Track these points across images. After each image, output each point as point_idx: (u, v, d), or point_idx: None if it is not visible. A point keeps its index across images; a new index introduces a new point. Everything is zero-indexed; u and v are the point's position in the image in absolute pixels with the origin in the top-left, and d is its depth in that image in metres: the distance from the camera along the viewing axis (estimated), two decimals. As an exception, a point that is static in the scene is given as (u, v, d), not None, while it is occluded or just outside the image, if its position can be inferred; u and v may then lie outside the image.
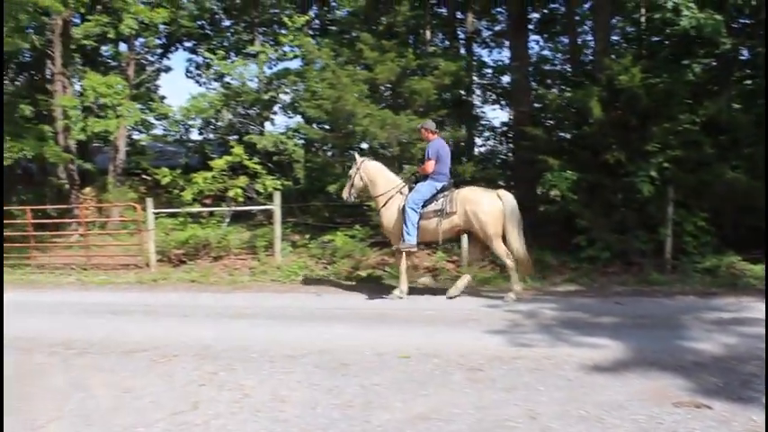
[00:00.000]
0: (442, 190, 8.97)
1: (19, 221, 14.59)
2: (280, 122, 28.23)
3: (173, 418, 4.62)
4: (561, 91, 15.06)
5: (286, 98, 18.67)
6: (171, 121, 19.56)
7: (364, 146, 14.22)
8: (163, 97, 26.00)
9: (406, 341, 6.45)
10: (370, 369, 5.57)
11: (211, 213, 14.50)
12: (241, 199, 13.07)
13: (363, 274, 10.94)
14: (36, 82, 22.10)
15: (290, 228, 13.32)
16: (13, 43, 14.88)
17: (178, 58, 56.75)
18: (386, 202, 9.25)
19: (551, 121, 13.61)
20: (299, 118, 18.37)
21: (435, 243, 9.75)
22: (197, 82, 27.07)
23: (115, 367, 5.94)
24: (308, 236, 12.61)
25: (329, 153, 17.73)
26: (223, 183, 13.04)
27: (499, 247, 8.76)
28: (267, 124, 18.06)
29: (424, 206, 8.88)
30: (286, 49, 17.51)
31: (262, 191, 12.99)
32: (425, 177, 9.08)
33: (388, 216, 9.21)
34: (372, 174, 9.41)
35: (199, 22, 23.10)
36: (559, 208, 11.53)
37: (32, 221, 13.83)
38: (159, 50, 25.33)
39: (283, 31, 20.90)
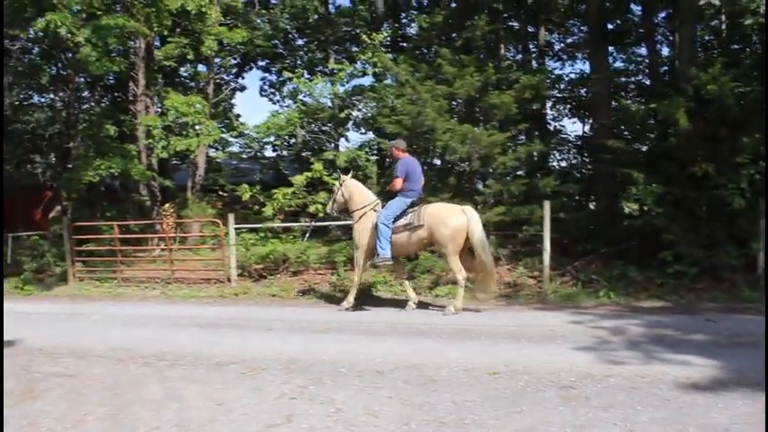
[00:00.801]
0: (412, 205, 9.46)
1: (106, 236, 15.10)
2: (352, 138, 28.46)
3: (267, 430, 4.65)
4: (640, 102, 14.73)
5: (359, 114, 18.85)
6: (249, 138, 19.91)
7: (437, 161, 14.23)
8: (238, 115, 26.64)
9: (493, 357, 6.38)
10: (461, 385, 5.50)
11: (289, 229, 14.70)
12: (321, 214, 13.17)
13: (443, 290, 10.84)
14: (120, 103, 22.91)
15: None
16: (101, 66, 15.45)
17: (252, 77, 57.96)
18: (360, 218, 9.80)
19: (631, 134, 13.31)
20: (371, 134, 18.53)
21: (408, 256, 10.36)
22: (271, 100, 27.64)
23: (207, 379, 6.04)
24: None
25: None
26: (302, 198, 13.18)
27: (454, 263, 9.13)
28: (342, 140, 18.23)
29: (395, 221, 9.34)
30: (358, 65, 17.66)
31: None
32: (396, 194, 9.52)
33: (360, 231, 9.78)
34: (352, 190, 10.03)
35: (273, 42, 23.56)
36: (644, 222, 11.22)
37: (119, 236, 14.28)
38: (235, 70, 25.99)
39: (355, 48, 21.20)
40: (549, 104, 18.27)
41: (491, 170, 12.68)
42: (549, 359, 6.23)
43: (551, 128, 18.02)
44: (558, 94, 18.60)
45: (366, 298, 10.75)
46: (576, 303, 9.60)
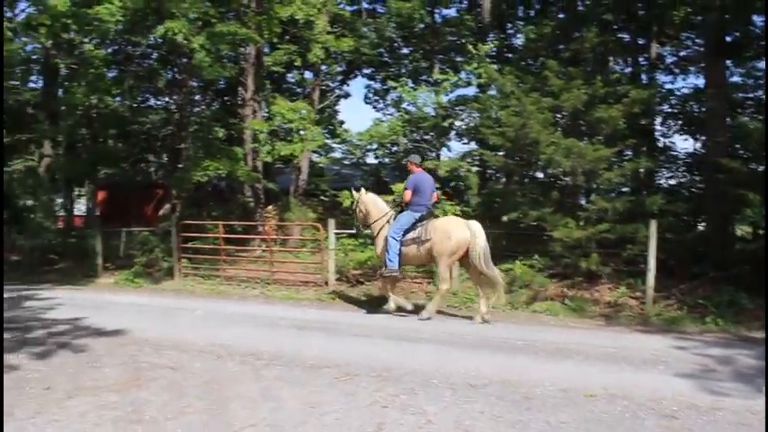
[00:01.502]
0: (421, 219, 9.85)
1: (211, 235, 15.65)
2: (454, 148, 28.34)
3: (359, 437, 4.68)
4: (758, 120, 13.97)
5: (461, 124, 18.78)
6: (351, 144, 20.19)
7: (539, 175, 13.98)
8: (342, 122, 27.06)
9: (589, 378, 6.19)
10: (555, 405, 5.37)
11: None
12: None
13: (542, 306, 10.62)
14: (229, 106, 23.74)
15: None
16: (213, 71, 16.05)
17: (357, 85, 58.87)
18: (379, 230, 10.26)
19: (748, 152, 12.64)
20: (473, 144, 18.41)
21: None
22: (374, 107, 27.93)
23: (301, 381, 6.15)
24: (485, 264, 12.45)
25: (502, 180, 17.61)
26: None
27: (445, 272, 9.75)
28: (443, 150, 18.20)
29: (404, 234, 9.80)
30: (462, 75, 17.59)
31: (441, 216, 13.01)
32: (405, 207, 10.01)
33: (379, 243, 10.25)
34: (368, 204, 10.58)
35: (378, 50, 23.80)
36: (758, 246, 10.62)
37: (224, 236, 14.77)
38: (340, 77, 26.43)
39: (460, 58, 21.13)
40: (658, 120, 17.61)
41: (595, 186, 12.36)
42: (650, 385, 5.98)
43: (660, 144, 17.36)
44: (669, 110, 17.89)
45: (457, 310, 10.66)
46: (680, 328, 9.18)
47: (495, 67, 15.61)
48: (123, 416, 5.15)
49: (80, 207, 30.10)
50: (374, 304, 11.04)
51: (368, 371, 6.47)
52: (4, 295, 12.87)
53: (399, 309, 10.05)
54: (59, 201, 25.41)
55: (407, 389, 5.84)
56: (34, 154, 27.66)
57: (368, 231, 10.98)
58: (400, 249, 9.80)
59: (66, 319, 9.83)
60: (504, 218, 12.66)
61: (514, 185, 13.93)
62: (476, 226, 9.56)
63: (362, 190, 10.98)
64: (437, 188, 11.06)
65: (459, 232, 9.50)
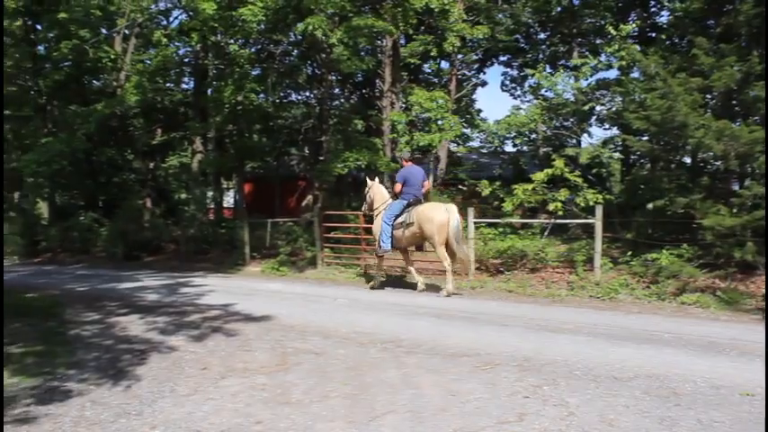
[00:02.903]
0: (408, 206, 11.55)
1: (352, 225, 16.03)
2: (595, 134, 27.45)
3: (499, 426, 4.64)
4: None
5: (603, 109, 18.14)
6: (489, 133, 20.02)
7: (687, 160, 13.24)
8: (479, 111, 26.88)
9: (746, 376, 5.80)
10: (707, 403, 5.08)
11: (526, 225, 14.55)
12: (561, 212, 12.87)
13: (691, 297, 10.08)
14: (367, 99, 24.16)
15: (608, 243, 12.81)
16: (352, 65, 16.40)
17: (493, 73, 58.25)
18: (378, 215, 12.12)
19: None
20: (615, 130, 17.74)
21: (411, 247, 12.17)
22: (512, 95, 27.56)
23: (441, 369, 6.17)
24: (629, 252, 11.96)
25: (647, 166, 16.83)
26: (542, 195, 12.96)
27: (441, 252, 11.12)
28: (584, 136, 17.66)
29: (395, 220, 11.59)
30: (602, 58, 16.95)
31: (582, 204, 12.65)
32: (397, 196, 11.82)
33: (376, 225, 12.20)
34: (375, 193, 12.45)
35: (514, 36, 23.42)
36: None
37: (364, 226, 15.08)
38: (476, 66, 26.26)
39: (600, 40, 20.40)
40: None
41: (750, 170, 11.53)
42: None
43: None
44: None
45: (600, 301, 10.34)
46: None
47: (637, 47, 14.90)
48: (272, 397, 5.39)
49: (228, 200, 31.71)
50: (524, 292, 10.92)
51: (508, 360, 6.42)
52: (164, 282, 13.86)
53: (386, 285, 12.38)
54: (210, 194, 26.84)
55: (549, 379, 5.74)
56: (187, 150, 29.48)
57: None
58: (392, 232, 11.60)
59: (218, 304, 10.42)
60: (650, 205, 12.14)
61: (660, 171, 13.19)
62: (452, 209, 11.18)
63: (376, 179, 12.88)
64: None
65: (438, 216, 11.05)
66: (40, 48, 26.13)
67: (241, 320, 8.95)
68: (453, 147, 23.79)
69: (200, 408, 5.16)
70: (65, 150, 22.45)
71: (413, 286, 11.97)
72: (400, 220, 11.55)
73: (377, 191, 12.44)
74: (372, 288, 12.25)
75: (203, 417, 4.95)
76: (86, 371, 6.35)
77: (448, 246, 11.03)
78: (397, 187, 11.82)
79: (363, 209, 13.03)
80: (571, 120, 17.58)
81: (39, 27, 25.66)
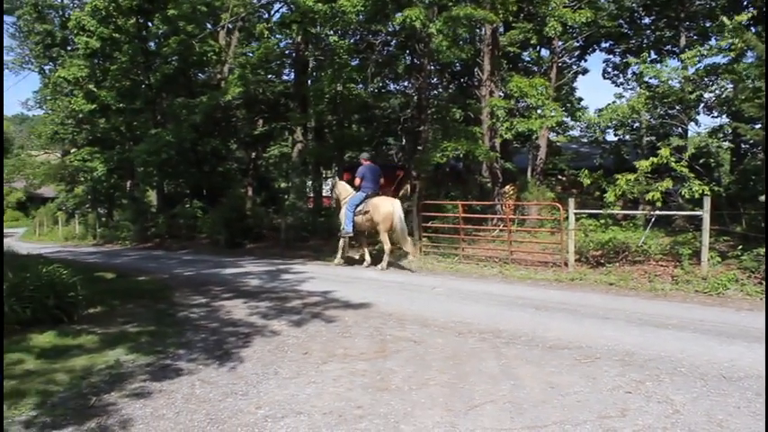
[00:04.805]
0: (366, 197, 14.41)
1: (450, 215, 16.02)
2: (703, 123, 26.33)
3: (600, 421, 4.56)
4: None
5: (711, 97, 17.32)
6: (590, 122, 19.52)
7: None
8: (580, 99, 26.26)
9: None
10: (829, 407, 4.81)
11: (628, 216, 14.15)
12: (659, 203, 12.40)
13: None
14: (465, 88, 24.01)
15: (716, 236, 12.27)
16: (451, 54, 16.33)
17: (594, 60, 56.69)
18: (344, 204, 14.83)
19: None
20: (725, 118, 16.88)
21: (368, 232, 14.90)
22: (614, 83, 26.77)
23: (540, 361, 6.11)
24: (739, 247, 11.41)
25: (759, 156, 15.97)
26: (646, 185, 12.52)
27: (384, 237, 14.05)
28: (690, 124, 16.91)
29: (356, 208, 14.43)
30: (713, 42, 16.15)
31: (688, 195, 12.13)
32: (358, 189, 14.60)
33: (341, 213, 14.93)
34: (340, 190, 15.41)
35: (617, 22, 22.68)
36: None
37: (463, 215, 15.05)
38: (577, 53, 25.63)
39: (709, 24, 19.47)
40: None
41: None
42: None
43: None
44: None
45: (707, 297, 9.94)
46: None
47: (752, 30, 14.10)
48: (372, 383, 5.49)
49: (327, 188, 32.26)
50: (613, 283, 10.67)
51: (609, 354, 6.29)
52: (265, 268, 14.28)
53: (362, 260, 14.94)
54: (309, 183, 27.39)
55: (652, 375, 5.58)
56: (287, 140, 30.18)
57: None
58: (353, 219, 14.39)
59: (317, 291, 10.67)
60: (762, 197, 11.50)
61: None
62: (396, 203, 14.10)
63: (336, 178, 17.17)
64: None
65: (384, 207, 13.93)
66: (151, 44, 27.38)
67: (340, 307, 9.13)
68: (553, 136, 23.35)
69: (302, 390, 5.32)
70: (172, 141, 23.52)
71: (510, 279, 11.86)
72: (359, 208, 14.37)
73: (341, 188, 15.43)
74: (337, 265, 14.98)
75: (306, 399, 5.10)
76: (195, 351, 6.66)
77: (393, 231, 13.88)
78: (357, 181, 14.62)
79: (332, 202, 16.30)
80: (677, 108, 16.86)
81: (150, 24, 26.88)
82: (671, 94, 15.67)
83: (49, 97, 34.90)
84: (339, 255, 15.26)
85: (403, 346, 6.77)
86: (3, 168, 19.53)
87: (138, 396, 5.23)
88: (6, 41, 40.36)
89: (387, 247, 13.97)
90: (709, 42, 15.99)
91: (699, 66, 15.67)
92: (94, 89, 28.60)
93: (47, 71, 37.57)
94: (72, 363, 6.15)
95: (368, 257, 14.78)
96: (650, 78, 16.10)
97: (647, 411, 4.74)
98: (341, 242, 15.28)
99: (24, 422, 4.69)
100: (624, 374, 5.63)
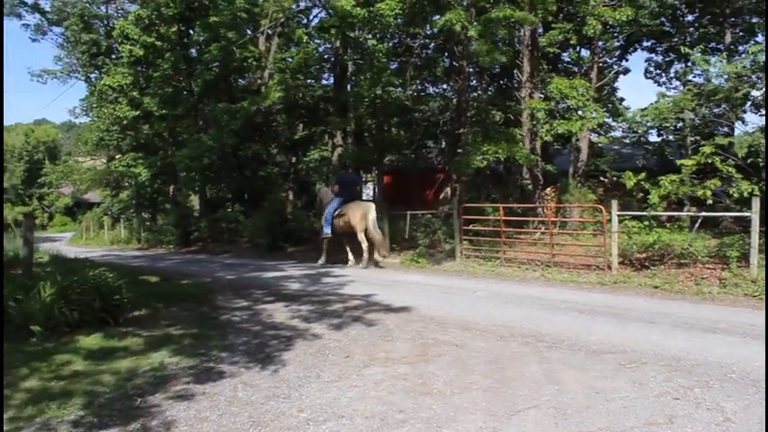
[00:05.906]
0: (344, 203, 15.92)
1: (491, 218, 15.91)
2: (750, 121, 25.73)
3: (647, 428, 4.47)
4: None
5: (758, 94, 16.89)
6: (633, 123, 19.19)
7: None
8: (621, 99, 25.86)
9: None
10: None
11: (672, 218, 13.86)
12: (709, 203, 12.13)
13: None
14: (505, 90, 23.87)
15: (766, 238, 11.93)
16: (490, 58, 16.22)
17: (636, 59, 55.84)
18: (324, 210, 16.36)
19: None
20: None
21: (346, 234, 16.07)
22: (656, 82, 26.32)
23: (584, 365, 6.02)
24: (790, 248, 11.11)
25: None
26: (691, 186, 12.26)
27: (361, 237, 15.34)
28: (737, 123, 16.50)
29: (334, 212, 15.93)
30: (759, 38, 15.76)
31: (736, 195, 11.83)
32: (338, 195, 16.18)
33: (323, 217, 16.42)
34: (322, 195, 17.30)
35: (659, 20, 22.30)
36: None
37: (503, 218, 14.92)
38: (618, 52, 25.26)
39: (756, 19, 19.02)
40: None
41: None
42: None
43: None
44: None
45: (757, 301, 9.67)
46: None
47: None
48: (413, 387, 5.47)
49: (368, 192, 32.32)
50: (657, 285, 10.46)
51: (655, 359, 6.17)
52: (306, 272, 14.37)
53: (348, 261, 16.10)
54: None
55: (701, 381, 5.45)
56: (327, 144, 30.36)
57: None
58: (333, 222, 15.88)
59: (358, 294, 10.69)
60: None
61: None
62: (371, 207, 15.68)
63: (319, 184, 18.13)
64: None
65: (359, 211, 15.42)
66: (192, 51, 27.81)
67: (381, 311, 9.12)
68: (594, 137, 23.02)
69: (344, 394, 5.32)
70: (214, 146, 23.84)
71: (552, 282, 11.73)
72: (338, 212, 15.85)
73: (323, 194, 17.30)
74: (321, 266, 15.94)
75: (348, 403, 5.10)
76: (237, 354, 6.71)
77: (368, 232, 15.19)
78: (335, 188, 16.57)
79: (316, 206, 18.68)
80: (723, 106, 16.46)
81: (191, 32, 27.30)
82: (717, 92, 15.30)
83: (94, 105, 35.59)
84: (323, 256, 16.46)
85: (445, 349, 6.73)
86: (3, 171, 20.18)
87: (181, 398, 5.29)
88: (54, 51, 41.43)
89: (365, 246, 15.28)
90: (756, 38, 15.55)
91: (746, 62, 15.29)
92: (138, 96, 29.18)
93: (93, 79, 38.33)
94: (118, 364, 6.26)
95: (351, 257, 16.07)
96: (695, 76, 15.74)
97: (697, 419, 4.63)
98: (324, 244, 16.52)
99: (72, 422, 4.78)
100: (671, 380, 5.51)
